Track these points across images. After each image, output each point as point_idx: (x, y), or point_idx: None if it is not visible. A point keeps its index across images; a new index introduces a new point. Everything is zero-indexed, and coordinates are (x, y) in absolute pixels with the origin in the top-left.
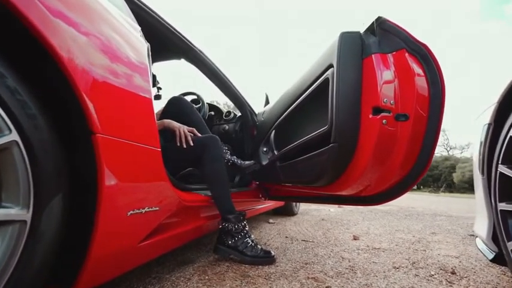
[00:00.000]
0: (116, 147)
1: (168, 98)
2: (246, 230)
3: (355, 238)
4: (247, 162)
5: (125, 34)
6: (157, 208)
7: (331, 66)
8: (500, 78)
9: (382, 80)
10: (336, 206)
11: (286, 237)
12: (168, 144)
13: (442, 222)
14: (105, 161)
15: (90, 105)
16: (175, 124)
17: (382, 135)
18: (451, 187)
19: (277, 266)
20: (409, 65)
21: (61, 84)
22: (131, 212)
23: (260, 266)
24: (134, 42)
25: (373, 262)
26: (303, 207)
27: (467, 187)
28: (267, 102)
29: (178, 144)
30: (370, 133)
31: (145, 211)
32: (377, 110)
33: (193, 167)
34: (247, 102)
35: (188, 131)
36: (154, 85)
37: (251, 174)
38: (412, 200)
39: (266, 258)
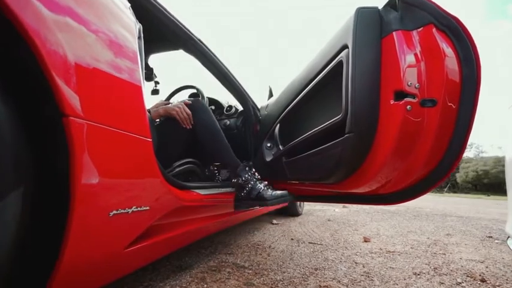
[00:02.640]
0: (94, 134)
1: (165, 93)
2: (255, 177)
3: (365, 240)
4: (278, 193)
5: (108, 7)
6: (147, 208)
7: (345, 47)
8: (507, 77)
9: (405, 60)
10: (341, 205)
11: (292, 239)
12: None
13: (454, 223)
14: (80, 150)
15: (60, 82)
16: (172, 107)
17: (405, 123)
18: (455, 187)
19: (284, 272)
20: (438, 42)
21: (25, 56)
22: (114, 212)
23: (265, 273)
24: (120, 17)
25: (390, 267)
26: (306, 207)
27: (471, 187)
28: (271, 95)
29: (185, 126)
30: (391, 121)
31: (133, 211)
32: (400, 95)
33: (188, 147)
34: (249, 96)
35: (184, 104)
36: (151, 79)
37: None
38: (418, 200)
39: (285, 197)
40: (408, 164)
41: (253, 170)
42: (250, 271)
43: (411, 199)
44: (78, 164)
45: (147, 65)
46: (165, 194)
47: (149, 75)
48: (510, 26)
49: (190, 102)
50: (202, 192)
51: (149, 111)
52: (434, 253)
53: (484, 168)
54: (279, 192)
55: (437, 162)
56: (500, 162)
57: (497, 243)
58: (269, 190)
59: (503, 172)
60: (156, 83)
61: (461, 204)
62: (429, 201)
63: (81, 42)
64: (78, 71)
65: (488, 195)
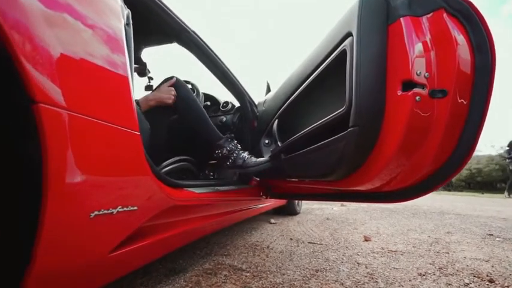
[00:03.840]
0: (72, 125)
1: None
2: (238, 148)
3: (366, 239)
4: (261, 159)
5: None
6: (134, 208)
7: (349, 35)
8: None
9: (414, 48)
10: (339, 204)
11: (291, 239)
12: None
13: (453, 220)
14: (54, 141)
15: (29, 65)
16: (166, 95)
17: (413, 115)
18: (449, 185)
19: (284, 275)
20: (449, 28)
21: None
22: (96, 213)
23: (264, 276)
24: None
25: (394, 268)
26: (304, 206)
27: (464, 185)
28: (268, 90)
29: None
30: (398, 113)
31: (118, 212)
32: (408, 85)
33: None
34: (246, 92)
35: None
36: (144, 74)
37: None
38: None
39: (267, 162)
40: (416, 160)
41: (235, 141)
42: (248, 274)
43: (417, 197)
44: (51, 158)
45: (140, 59)
46: (155, 193)
47: (142, 70)
48: (503, 26)
49: (174, 82)
50: (197, 190)
51: (138, 102)
52: (437, 252)
53: (477, 166)
54: (261, 159)
55: (447, 157)
56: (493, 160)
57: (499, 241)
58: (252, 158)
59: (496, 170)
60: (150, 78)
61: (457, 202)
62: (425, 199)
63: (56, 22)
64: (52, 54)
65: (482, 193)
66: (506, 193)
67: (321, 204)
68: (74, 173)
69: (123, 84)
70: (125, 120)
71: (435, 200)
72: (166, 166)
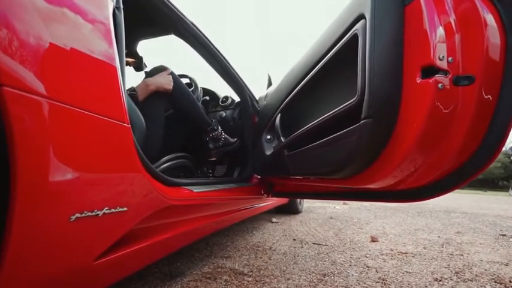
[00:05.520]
0: (47, 113)
1: None
2: (221, 130)
3: (373, 240)
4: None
5: None
6: (124, 209)
7: (361, 17)
8: None
9: (435, 30)
10: (341, 202)
11: (294, 239)
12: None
13: (460, 219)
14: (23, 131)
15: None
16: (167, 81)
17: (435, 105)
18: None
19: (289, 280)
20: (477, 7)
21: None
22: (77, 215)
23: (267, 281)
24: None
25: (407, 272)
26: (306, 204)
27: None
28: (270, 83)
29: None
30: (418, 103)
31: (104, 214)
32: (429, 71)
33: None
34: (246, 86)
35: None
36: (141, 68)
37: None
38: None
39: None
40: (437, 155)
41: (218, 124)
42: (250, 279)
43: (434, 196)
44: (20, 151)
45: (136, 53)
46: (148, 192)
47: (139, 64)
48: None
49: (171, 71)
50: (195, 189)
51: (135, 89)
52: (451, 254)
53: None
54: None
55: (472, 152)
56: None
57: None
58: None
59: (497, 168)
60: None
61: (461, 200)
62: None
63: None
64: (21, 33)
65: (485, 191)
66: (510, 191)
67: (323, 202)
68: (49, 169)
69: (109, 70)
70: (111, 111)
71: (439, 198)
72: (163, 163)
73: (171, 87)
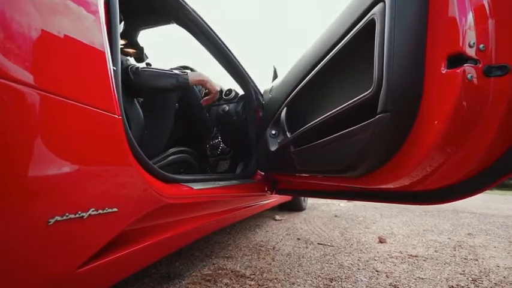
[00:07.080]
0: (17, 99)
1: None
2: (220, 139)
3: (381, 241)
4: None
5: None
6: (113, 209)
7: (379, 1)
8: None
9: (465, 14)
10: (346, 200)
11: (299, 239)
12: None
13: (469, 220)
14: None
15: None
16: (215, 83)
17: (463, 98)
18: None
19: (294, 284)
20: None
21: None
22: (57, 218)
23: (271, 285)
24: None
25: (420, 278)
26: (310, 201)
27: None
28: (275, 76)
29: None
30: (443, 96)
31: (90, 215)
32: (456, 60)
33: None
34: (251, 79)
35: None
36: (142, 59)
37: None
38: None
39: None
40: (460, 155)
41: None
42: (253, 282)
43: (461, 198)
44: None
45: (137, 43)
46: (142, 190)
47: (140, 55)
48: None
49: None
50: (195, 186)
51: (190, 68)
52: (465, 258)
53: None
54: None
55: (505, 149)
56: None
57: None
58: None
59: None
60: (148, 65)
61: (467, 198)
62: None
63: None
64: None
65: (492, 189)
66: None
67: (327, 199)
68: (23, 165)
69: (97, 58)
70: (98, 100)
71: None
72: (164, 158)
73: (218, 90)
